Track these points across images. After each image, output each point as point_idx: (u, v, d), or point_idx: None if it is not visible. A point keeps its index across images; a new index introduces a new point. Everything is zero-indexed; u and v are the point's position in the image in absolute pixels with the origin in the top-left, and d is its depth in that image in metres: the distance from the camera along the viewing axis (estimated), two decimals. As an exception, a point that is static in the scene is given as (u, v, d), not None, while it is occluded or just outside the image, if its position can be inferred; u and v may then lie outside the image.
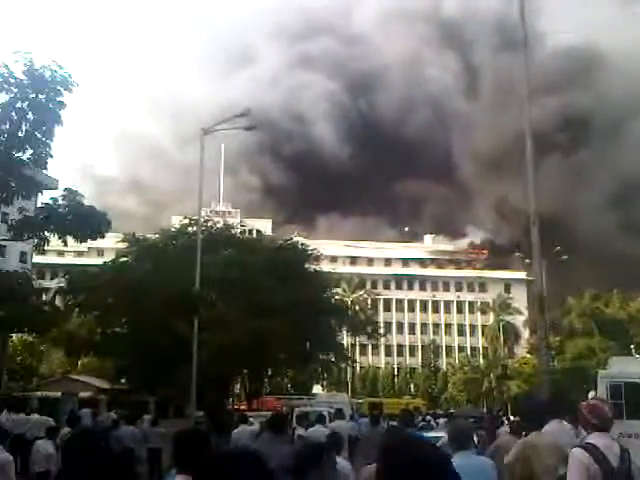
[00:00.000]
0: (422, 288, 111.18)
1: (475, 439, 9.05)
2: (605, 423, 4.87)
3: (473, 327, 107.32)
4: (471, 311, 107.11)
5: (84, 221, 17.11)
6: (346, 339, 60.62)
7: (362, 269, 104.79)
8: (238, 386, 43.87)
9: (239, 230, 48.35)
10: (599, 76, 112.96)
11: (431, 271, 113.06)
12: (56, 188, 24.67)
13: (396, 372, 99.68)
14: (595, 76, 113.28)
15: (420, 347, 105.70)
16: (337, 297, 47.28)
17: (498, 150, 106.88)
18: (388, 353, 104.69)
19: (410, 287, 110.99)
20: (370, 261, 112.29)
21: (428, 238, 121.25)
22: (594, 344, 63.96)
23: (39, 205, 18.71)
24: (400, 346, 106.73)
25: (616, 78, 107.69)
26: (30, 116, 15.67)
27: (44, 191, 21.47)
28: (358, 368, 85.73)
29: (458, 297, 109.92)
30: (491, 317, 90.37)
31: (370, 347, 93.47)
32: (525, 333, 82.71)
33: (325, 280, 41.46)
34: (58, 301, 26.24)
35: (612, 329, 64.53)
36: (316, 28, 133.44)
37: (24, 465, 13.81)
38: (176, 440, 4.23)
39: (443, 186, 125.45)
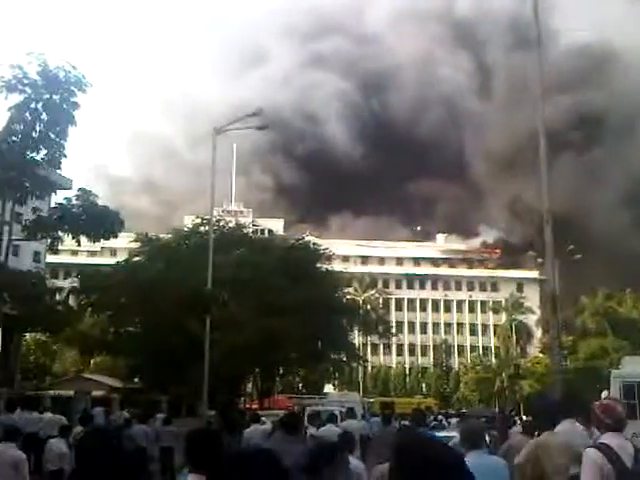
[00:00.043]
0: (434, 287, 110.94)
1: (487, 439, 9.03)
2: (619, 423, 4.85)
3: (485, 326, 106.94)
4: (483, 310, 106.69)
5: (97, 221, 17.20)
6: (357, 338, 60.66)
7: (374, 268, 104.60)
8: (250, 385, 43.95)
9: (251, 230, 48.49)
10: (613, 74, 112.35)
11: (443, 270, 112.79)
12: (70, 188, 24.83)
13: (408, 372, 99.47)
14: (609, 74, 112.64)
15: (432, 346, 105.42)
16: (349, 296, 47.35)
17: (511, 149, 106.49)
18: (400, 352, 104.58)
19: (422, 286, 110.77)
20: (382, 260, 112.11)
21: (440, 237, 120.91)
22: (607, 344, 63.58)
23: (53, 205, 18.85)
24: (412, 345, 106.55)
25: (630, 75, 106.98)
26: (44, 117, 15.78)
27: (58, 191, 21.65)
28: (370, 367, 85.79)
29: (470, 296, 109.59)
30: (503, 316, 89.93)
31: (382, 346, 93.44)
32: (537, 332, 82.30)
33: (337, 279, 41.51)
34: (71, 301, 26.44)
35: (625, 328, 64.08)
36: (328, 28, 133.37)
37: (37, 463, 13.87)
38: (189, 439, 4.23)
39: (456, 185, 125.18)
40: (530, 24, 17.88)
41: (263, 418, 17.32)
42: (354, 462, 6.59)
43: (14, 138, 15.81)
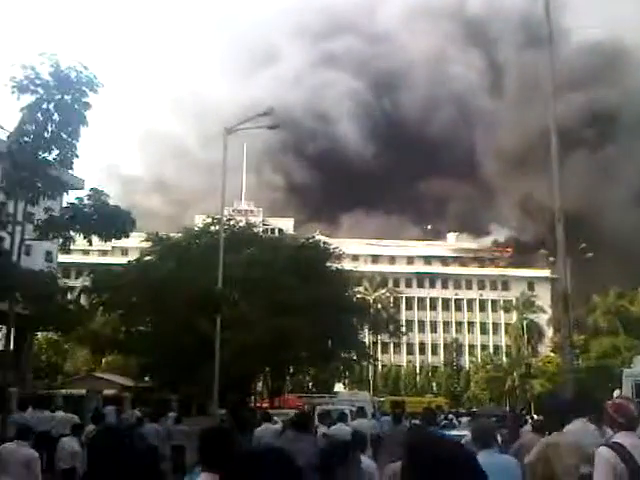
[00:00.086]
0: (445, 286, 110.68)
1: (498, 438, 9.02)
2: (631, 422, 4.84)
3: (496, 325, 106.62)
4: (494, 309, 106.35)
5: (109, 220, 17.23)
6: (368, 337, 60.62)
7: (384, 267, 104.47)
8: (260, 384, 44.02)
9: (261, 229, 48.55)
10: (625, 71, 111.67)
11: (454, 269, 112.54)
12: (82, 188, 24.89)
13: (418, 370, 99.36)
14: (621, 71, 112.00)
15: (442, 345, 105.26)
16: (359, 295, 47.36)
17: (523, 147, 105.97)
18: (410, 351, 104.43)
19: (432, 285, 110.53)
20: (392, 259, 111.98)
21: (451, 236, 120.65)
22: (619, 342, 63.29)
23: (65, 205, 18.89)
24: (422, 344, 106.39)
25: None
26: (56, 117, 15.80)
27: (70, 191, 21.74)
28: (380, 366, 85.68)
29: (481, 295, 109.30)
30: (514, 315, 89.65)
31: (392, 345, 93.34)
32: (549, 331, 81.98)
33: (347, 278, 41.50)
34: (83, 300, 26.53)
35: (637, 327, 63.74)
36: (339, 26, 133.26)
37: (49, 462, 13.96)
38: (203, 438, 4.25)
39: (467, 184, 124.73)
40: (541, 22, 17.81)
41: (275, 417, 17.36)
42: (366, 461, 6.60)
43: (26, 139, 15.84)
